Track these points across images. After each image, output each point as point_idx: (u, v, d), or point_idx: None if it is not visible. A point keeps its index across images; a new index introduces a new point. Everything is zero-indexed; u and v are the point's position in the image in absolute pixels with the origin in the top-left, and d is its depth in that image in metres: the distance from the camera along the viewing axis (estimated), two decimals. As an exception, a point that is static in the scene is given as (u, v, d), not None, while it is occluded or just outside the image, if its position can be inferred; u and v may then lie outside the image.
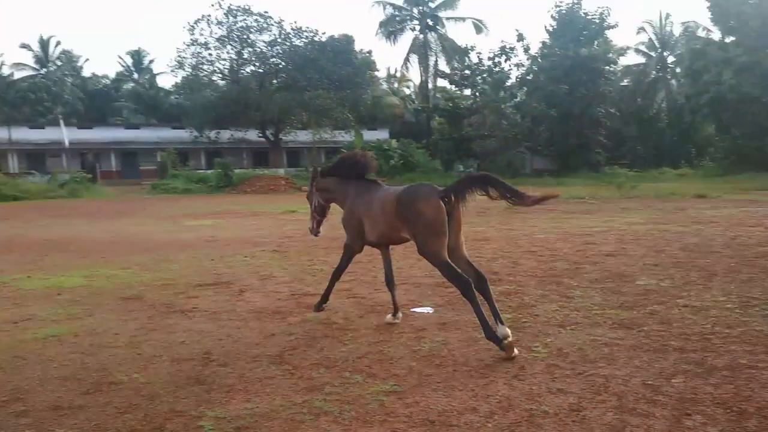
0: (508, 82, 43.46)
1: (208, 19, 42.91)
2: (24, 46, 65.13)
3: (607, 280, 7.49)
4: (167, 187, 35.22)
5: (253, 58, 44.70)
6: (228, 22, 42.95)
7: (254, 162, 53.09)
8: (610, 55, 41.81)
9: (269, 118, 44.12)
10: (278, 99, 42.55)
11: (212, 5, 42.77)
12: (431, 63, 51.49)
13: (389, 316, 5.88)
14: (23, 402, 4.04)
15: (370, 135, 48.90)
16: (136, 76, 69.40)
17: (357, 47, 50.81)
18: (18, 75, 63.95)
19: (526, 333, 5.34)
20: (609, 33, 42.62)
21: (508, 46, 41.97)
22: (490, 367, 4.50)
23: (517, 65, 42.65)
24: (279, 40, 44.05)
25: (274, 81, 45.66)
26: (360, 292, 7.12)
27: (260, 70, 45.18)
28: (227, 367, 4.60)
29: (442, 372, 4.42)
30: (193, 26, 43.02)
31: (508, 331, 4.75)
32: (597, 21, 41.59)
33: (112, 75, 70.81)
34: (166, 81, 68.53)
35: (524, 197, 5.09)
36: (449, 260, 5.01)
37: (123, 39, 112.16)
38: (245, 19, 43.16)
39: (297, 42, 44.07)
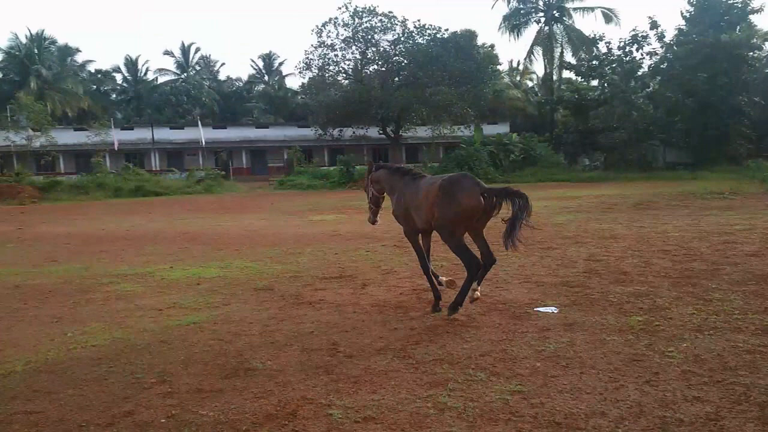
0: (640, 72, 41.14)
1: (335, 22, 44.25)
2: (167, 52, 70.57)
3: (750, 282, 6.94)
4: (293, 183, 36.76)
5: (377, 57, 45.52)
6: (354, 23, 44.04)
7: (374, 158, 54.06)
8: (755, 40, 38.39)
9: (390, 115, 44.75)
10: (399, 96, 43.01)
11: (339, 8, 44.08)
12: (556, 55, 49.83)
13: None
14: (169, 384, 4.40)
15: (490, 129, 48.24)
16: (266, 78, 72.93)
17: (480, 41, 50.42)
18: (161, 80, 69.52)
19: (659, 337, 5.07)
20: (753, 17, 39.24)
21: (640, 35, 39.76)
22: (620, 370, 4.33)
23: (650, 54, 40.28)
24: (402, 38, 44.57)
25: (396, 79, 46.20)
26: (481, 289, 7.04)
27: (383, 69, 45.94)
28: (353, 359, 4.76)
29: (569, 374, 4.30)
30: (320, 29, 44.54)
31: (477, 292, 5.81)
32: (739, 5, 38.42)
33: (245, 78, 75.01)
34: (294, 82, 71.66)
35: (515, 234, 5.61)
36: (465, 244, 5.82)
37: (256, 44, 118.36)
38: (370, 20, 44.05)
39: (419, 40, 44.37)
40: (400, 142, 48.85)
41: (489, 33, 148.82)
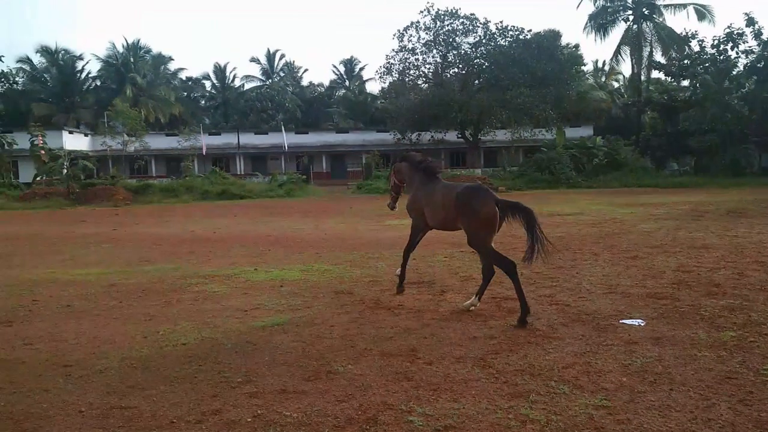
0: (735, 72, 39.03)
1: (417, 26, 44.47)
2: (253, 59, 73.13)
3: None
4: (371, 187, 37.11)
5: (457, 60, 45.37)
6: (435, 27, 44.10)
7: (451, 162, 53.90)
8: None
9: (469, 118, 44.49)
10: (479, 99, 42.68)
11: (420, 12, 44.25)
12: (645, 54, 47.97)
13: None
14: (254, 384, 4.54)
15: (572, 132, 47.07)
16: (347, 83, 74.14)
17: (563, 41, 49.31)
18: (247, 86, 72.06)
19: (754, 353, 4.80)
20: None
21: (735, 32, 37.73)
22: (712, 388, 4.13)
23: (746, 52, 38.17)
24: (483, 41, 44.23)
25: (476, 81, 45.89)
26: (563, 299, 6.90)
27: (463, 72, 45.74)
28: (433, 366, 4.76)
29: (657, 390, 4.14)
30: (402, 33, 44.88)
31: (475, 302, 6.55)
32: None
33: (327, 83, 76.58)
34: (374, 87, 72.41)
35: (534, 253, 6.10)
36: (494, 248, 6.34)
37: (339, 49, 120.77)
38: (452, 23, 43.99)
39: (501, 41, 43.88)
40: (479, 146, 48.42)
41: (573, 33, 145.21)
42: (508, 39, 43.82)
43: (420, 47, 44.97)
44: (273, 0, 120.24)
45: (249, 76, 72.76)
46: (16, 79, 54.36)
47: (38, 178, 38.39)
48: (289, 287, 8.28)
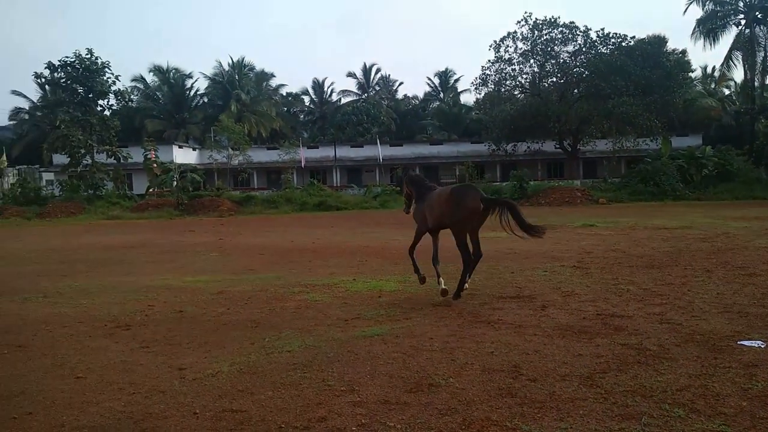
0: None
1: (514, 36, 43.97)
2: (350, 74, 74.84)
3: None
4: (465, 199, 36.85)
5: (556, 70, 44.42)
6: (533, 36, 43.41)
7: (548, 173, 52.64)
8: None
9: (568, 128, 43.36)
10: (579, 109, 41.52)
11: (518, 22, 43.72)
12: (758, 59, 44.94)
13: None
14: (357, 393, 4.61)
15: (679, 142, 44.77)
16: (441, 95, 74.28)
17: (669, 47, 47.17)
18: (344, 100, 73.75)
19: None
20: None
21: None
22: None
23: None
24: (584, 49, 43.07)
25: (576, 90, 44.72)
26: (674, 318, 6.55)
27: (561, 81, 44.71)
28: (537, 383, 4.65)
29: (783, 418, 3.85)
30: (498, 44, 44.50)
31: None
32: None
33: (421, 95, 77.04)
34: (468, 98, 72.09)
35: (533, 231, 7.58)
36: (466, 242, 7.78)
37: (433, 62, 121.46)
38: (550, 32, 43.15)
39: (603, 49, 42.53)
40: (578, 157, 47.06)
41: (680, 38, 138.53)
42: (610, 47, 42.38)
43: (517, 57, 44.40)
44: (371, 16, 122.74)
45: (346, 90, 74.58)
46: (132, 96, 58.33)
47: (150, 190, 41.01)
48: (387, 298, 8.37)
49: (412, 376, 4.95)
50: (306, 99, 75.53)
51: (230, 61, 65.53)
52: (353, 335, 6.34)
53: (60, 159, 44.85)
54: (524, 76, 45.69)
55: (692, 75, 53.50)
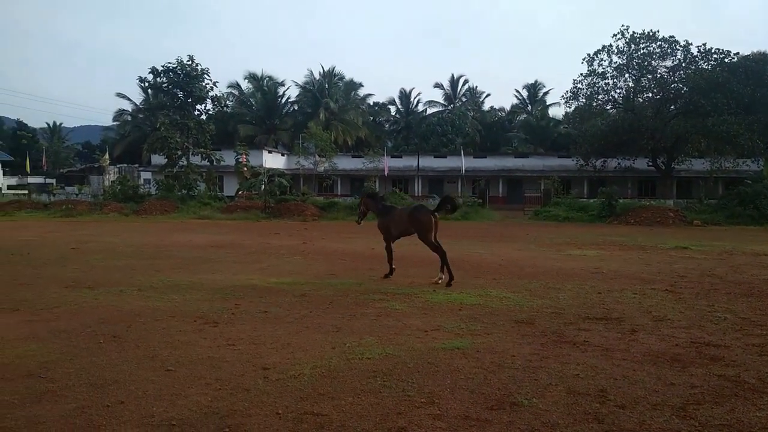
0: None
1: (609, 49, 42.69)
2: (437, 85, 75.11)
3: None
4: (548, 214, 35.95)
5: (652, 85, 42.73)
6: (629, 50, 41.98)
7: (639, 192, 50.65)
8: None
9: (662, 145, 41.57)
10: (675, 126, 39.72)
11: (614, 35, 42.42)
12: None
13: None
14: (438, 406, 4.56)
15: (784, 164, 41.99)
16: (529, 108, 73.15)
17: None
18: (430, 111, 73.98)
19: None
20: None
21: None
22: None
23: None
24: (683, 64, 41.23)
25: (672, 107, 42.85)
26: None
27: (657, 97, 42.96)
28: (626, 410, 4.45)
29: None
30: (592, 57, 43.33)
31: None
32: None
33: (508, 107, 76.22)
34: (558, 111, 70.59)
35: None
36: (436, 242, 10.81)
37: (521, 75, 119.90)
38: (648, 46, 41.58)
39: (703, 65, 40.57)
40: (672, 175, 45.01)
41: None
42: (711, 62, 40.35)
43: (611, 71, 43.03)
44: (462, 28, 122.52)
45: (432, 101, 74.82)
46: (227, 102, 60.81)
47: (240, 192, 42.45)
48: (468, 311, 8.26)
49: (493, 393, 4.85)
50: (392, 109, 76.37)
51: (321, 70, 67.33)
52: (433, 347, 6.29)
53: (158, 159, 47.29)
54: (618, 90, 44.24)
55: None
